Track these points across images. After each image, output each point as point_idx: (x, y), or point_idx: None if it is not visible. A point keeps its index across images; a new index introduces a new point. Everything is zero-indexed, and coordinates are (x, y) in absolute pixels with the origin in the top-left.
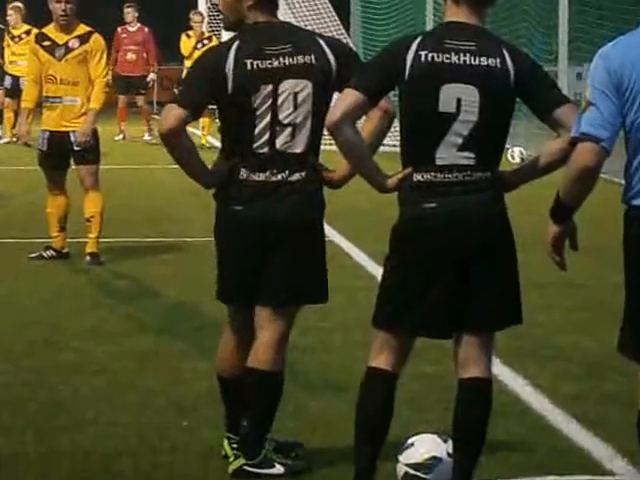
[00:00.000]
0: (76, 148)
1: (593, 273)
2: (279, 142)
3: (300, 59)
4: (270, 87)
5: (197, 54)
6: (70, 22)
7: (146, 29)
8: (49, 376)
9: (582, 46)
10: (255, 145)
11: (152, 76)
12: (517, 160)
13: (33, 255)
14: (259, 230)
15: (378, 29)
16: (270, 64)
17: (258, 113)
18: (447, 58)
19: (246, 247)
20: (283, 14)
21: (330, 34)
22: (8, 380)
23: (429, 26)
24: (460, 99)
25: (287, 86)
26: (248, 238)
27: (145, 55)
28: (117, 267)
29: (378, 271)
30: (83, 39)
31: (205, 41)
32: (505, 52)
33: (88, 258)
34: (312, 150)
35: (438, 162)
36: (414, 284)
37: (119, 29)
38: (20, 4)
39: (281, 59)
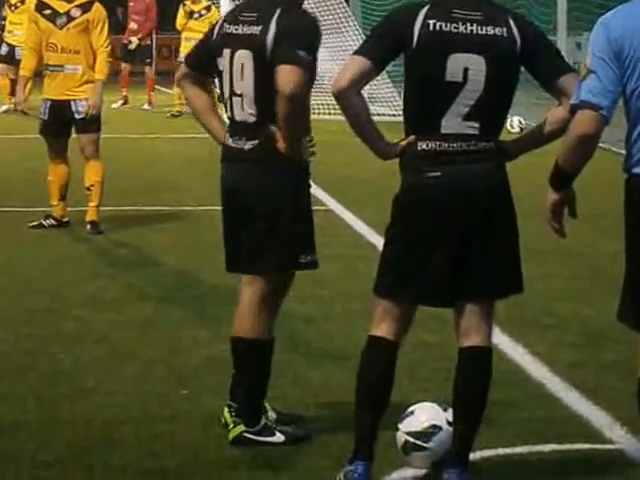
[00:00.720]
0: (77, 117)
1: (591, 241)
2: (235, 112)
3: (246, 29)
4: (228, 56)
5: (192, 24)
6: None
7: None
8: (49, 345)
9: (581, 16)
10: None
11: (134, 40)
12: (516, 129)
13: (33, 224)
14: (227, 195)
15: None
16: (229, 33)
17: (223, 81)
18: (455, 27)
19: (224, 211)
20: None
21: (326, 3)
22: (8, 349)
23: None
24: (467, 68)
25: (237, 56)
26: (223, 202)
27: (148, 24)
28: (117, 236)
29: (378, 241)
30: (85, 8)
31: (203, 11)
32: (511, 21)
33: (88, 227)
34: (266, 119)
35: (443, 131)
36: (416, 253)
37: None
38: None
39: (239, 28)
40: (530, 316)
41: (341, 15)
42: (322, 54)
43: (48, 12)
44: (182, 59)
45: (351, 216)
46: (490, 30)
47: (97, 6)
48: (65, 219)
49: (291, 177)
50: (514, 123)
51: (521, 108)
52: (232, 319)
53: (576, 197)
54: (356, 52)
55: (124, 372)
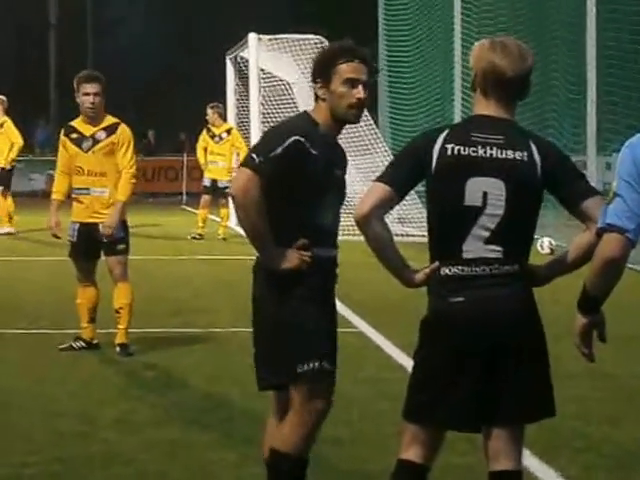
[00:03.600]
0: (105, 239)
1: (624, 363)
2: None
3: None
4: None
5: (213, 147)
6: (97, 114)
7: None
8: (78, 468)
9: (611, 136)
10: None
11: None
12: (546, 250)
13: (63, 346)
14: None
15: (406, 120)
16: None
17: None
18: (474, 151)
19: None
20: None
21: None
22: (36, 472)
23: (457, 116)
24: (486, 192)
25: None
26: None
27: None
28: (146, 358)
29: (408, 362)
30: (110, 130)
31: (224, 134)
32: (532, 144)
33: (118, 349)
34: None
35: (465, 255)
36: (443, 377)
37: None
38: None
39: None
40: (561, 439)
41: (370, 137)
42: (352, 175)
43: (75, 136)
44: (206, 183)
45: (381, 338)
46: (510, 154)
47: (122, 128)
48: (95, 341)
49: (271, 288)
50: (544, 244)
51: (551, 229)
52: (261, 441)
53: (605, 321)
54: (378, 179)
55: None
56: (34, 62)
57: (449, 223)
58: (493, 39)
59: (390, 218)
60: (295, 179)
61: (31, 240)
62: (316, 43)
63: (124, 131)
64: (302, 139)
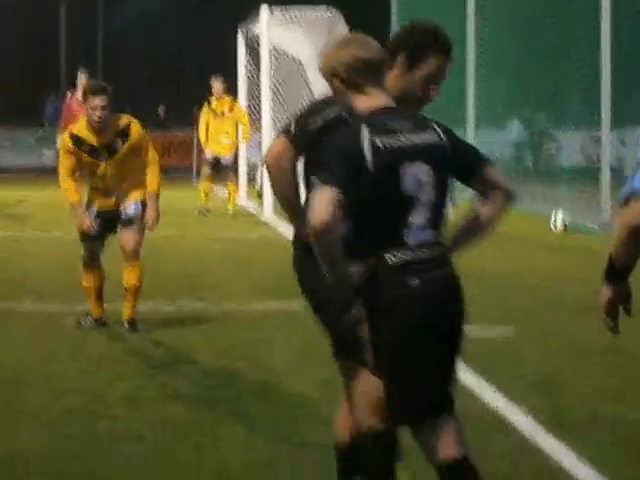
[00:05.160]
0: (124, 216)
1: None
2: None
3: None
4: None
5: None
6: (105, 126)
7: None
8: (87, 444)
9: (625, 111)
10: None
11: None
12: (560, 228)
13: (71, 323)
14: None
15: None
16: None
17: None
18: (398, 140)
19: None
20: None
21: None
22: (45, 449)
23: (470, 109)
24: (419, 178)
25: None
26: None
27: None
28: (155, 334)
29: None
30: (123, 135)
31: (227, 112)
32: (434, 126)
33: (126, 325)
34: None
35: (408, 242)
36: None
37: (69, 95)
38: None
39: None
40: (576, 418)
41: None
42: None
43: (86, 148)
44: (209, 157)
45: None
46: (425, 138)
47: (134, 128)
48: (103, 319)
49: (308, 260)
50: (558, 222)
51: (566, 203)
52: (270, 417)
53: (632, 293)
54: (323, 183)
55: (161, 472)
56: (44, 36)
57: (390, 212)
58: (339, 40)
59: None
60: None
61: (41, 216)
62: (329, 17)
63: (137, 131)
64: (344, 114)
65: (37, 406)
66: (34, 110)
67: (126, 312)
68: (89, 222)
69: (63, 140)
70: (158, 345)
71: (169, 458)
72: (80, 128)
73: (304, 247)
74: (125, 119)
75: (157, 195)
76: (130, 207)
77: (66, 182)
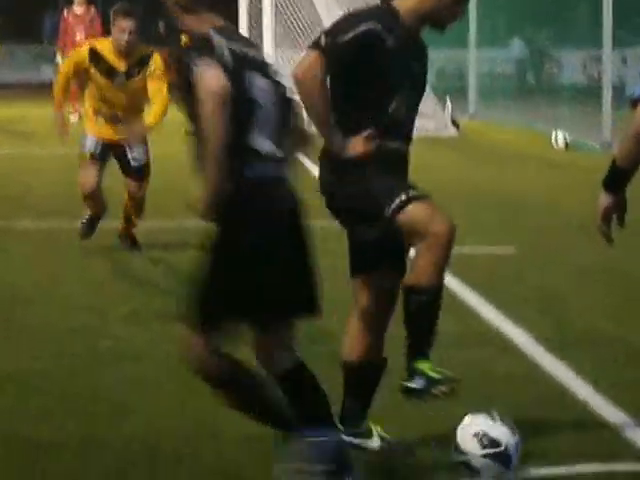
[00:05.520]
0: (133, 163)
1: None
2: None
3: None
4: None
5: None
6: (131, 50)
7: (93, 9)
8: (88, 362)
9: (626, 30)
10: None
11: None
12: (561, 145)
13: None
14: None
15: None
16: None
17: None
18: None
19: None
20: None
21: None
22: (47, 366)
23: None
24: None
25: None
26: None
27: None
28: (156, 252)
29: None
30: (143, 62)
31: None
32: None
33: (126, 241)
34: None
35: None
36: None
37: (65, 11)
38: None
39: None
40: (575, 335)
41: None
42: None
43: (105, 67)
44: None
45: None
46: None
47: (155, 58)
48: (101, 218)
49: (336, 173)
50: (559, 139)
51: (567, 122)
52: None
53: (627, 206)
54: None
55: (164, 390)
56: None
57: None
58: None
59: None
60: (365, 70)
61: (42, 132)
62: None
63: (156, 60)
64: (377, 28)
65: (38, 324)
66: (33, 26)
67: (126, 228)
68: (64, 133)
69: (77, 52)
70: (160, 263)
71: (170, 377)
72: (103, 46)
73: (331, 162)
74: (149, 49)
75: (150, 128)
76: (138, 152)
77: (59, 90)
